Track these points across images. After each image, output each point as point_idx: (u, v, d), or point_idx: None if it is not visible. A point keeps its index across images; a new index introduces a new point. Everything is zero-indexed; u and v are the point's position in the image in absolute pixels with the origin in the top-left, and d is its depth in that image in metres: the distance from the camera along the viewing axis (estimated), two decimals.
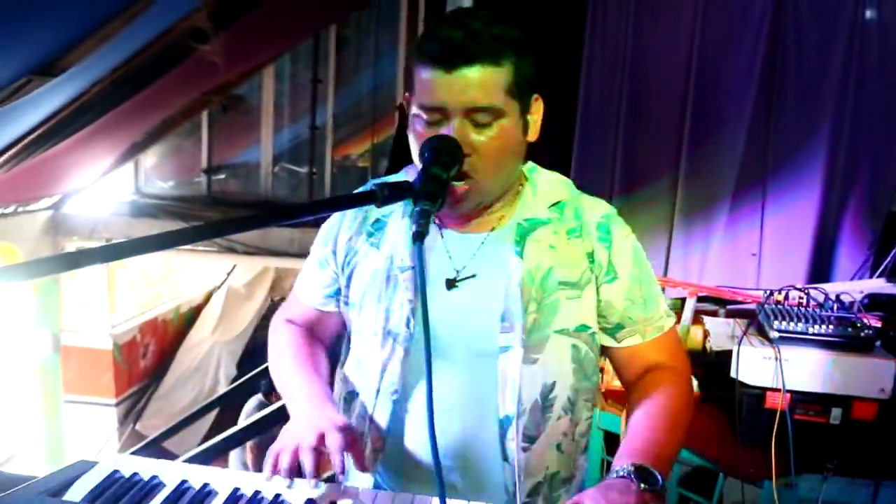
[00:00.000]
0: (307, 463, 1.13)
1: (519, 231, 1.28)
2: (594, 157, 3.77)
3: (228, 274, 7.16)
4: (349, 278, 1.37)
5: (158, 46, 4.02)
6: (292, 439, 1.17)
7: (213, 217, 5.74)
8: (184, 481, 1.13)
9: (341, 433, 1.15)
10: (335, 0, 4.98)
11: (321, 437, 1.15)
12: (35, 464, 5.67)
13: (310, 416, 1.22)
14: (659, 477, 1.12)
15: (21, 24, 2.99)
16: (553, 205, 1.32)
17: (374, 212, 1.37)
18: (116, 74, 4.04)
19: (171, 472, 1.16)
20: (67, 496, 1.04)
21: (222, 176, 6.11)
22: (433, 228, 1.31)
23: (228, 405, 5.14)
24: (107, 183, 5.75)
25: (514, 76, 1.18)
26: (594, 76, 3.83)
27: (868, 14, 3.67)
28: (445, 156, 1.13)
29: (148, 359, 6.53)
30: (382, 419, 1.33)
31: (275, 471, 1.15)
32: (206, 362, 6.69)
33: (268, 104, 5.86)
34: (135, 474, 1.13)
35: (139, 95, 4.35)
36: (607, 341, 1.37)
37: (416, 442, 1.33)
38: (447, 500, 1.06)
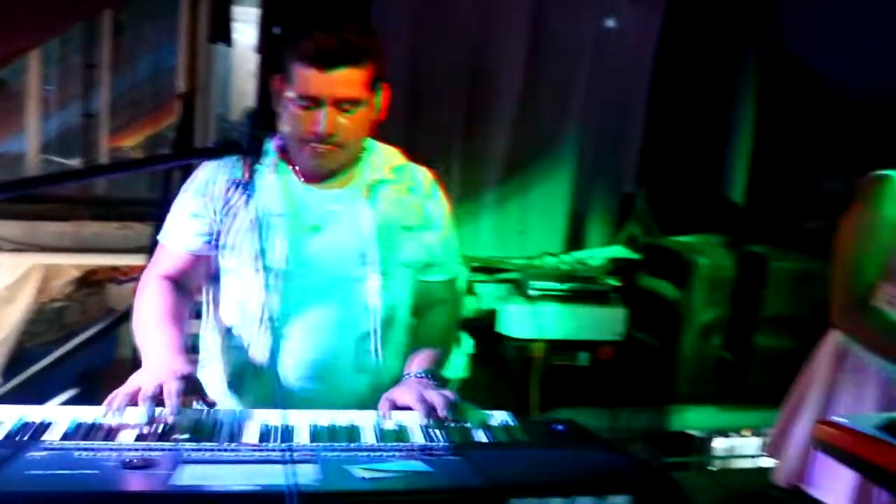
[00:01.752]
0: (144, 410, 1.27)
1: (371, 188, 1.61)
2: None
3: None
4: (223, 223, 1.57)
5: None
6: (133, 384, 1.32)
7: None
8: (21, 417, 1.23)
9: (180, 381, 1.31)
10: None
11: (160, 387, 1.30)
12: None
13: (155, 365, 1.39)
14: (439, 377, 1.52)
15: None
16: (394, 168, 1.66)
17: (244, 166, 1.55)
18: None
19: (8, 413, 1.26)
20: None
21: None
22: (300, 183, 1.59)
23: None
24: None
25: (371, 73, 1.49)
26: None
27: (610, 23, 4.29)
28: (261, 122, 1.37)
29: None
30: (262, 346, 1.56)
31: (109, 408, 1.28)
32: None
33: (34, 89, 5.46)
34: None
35: None
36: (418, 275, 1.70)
37: (290, 362, 1.56)
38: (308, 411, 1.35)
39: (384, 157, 1.67)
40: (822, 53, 3.91)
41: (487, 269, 3.46)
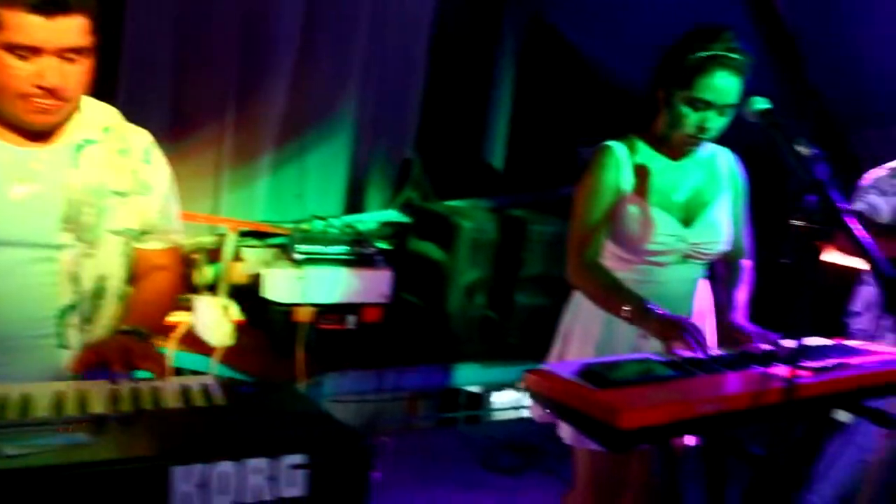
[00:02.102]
0: None
1: (76, 147, 1.49)
2: (140, 108, 3.66)
3: None
4: None
5: None
6: None
7: None
8: None
9: None
10: None
11: None
12: None
13: None
14: (145, 334, 1.48)
15: None
16: (105, 128, 1.55)
17: None
18: None
19: None
20: None
21: None
22: None
23: None
24: None
25: (93, 20, 1.38)
26: (141, 26, 3.69)
27: None
28: None
29: None
30: None
31: None
32: None
33: None
34: None
35: None
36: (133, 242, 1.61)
37: None
38: None
39: (95, 116, 1.56)
40: (581, 29, 4.16)
41: (257, 234, 3.37)
